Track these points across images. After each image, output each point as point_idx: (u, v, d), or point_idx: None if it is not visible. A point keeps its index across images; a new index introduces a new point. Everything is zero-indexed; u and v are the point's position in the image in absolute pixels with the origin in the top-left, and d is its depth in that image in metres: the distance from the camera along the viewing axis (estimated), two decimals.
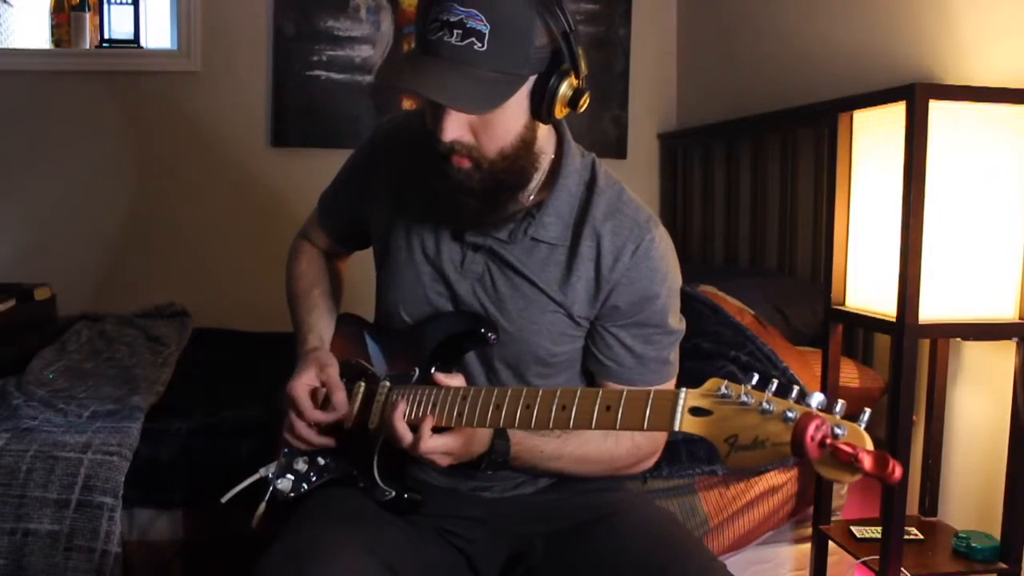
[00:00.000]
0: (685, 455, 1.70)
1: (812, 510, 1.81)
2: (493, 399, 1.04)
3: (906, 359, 1.53)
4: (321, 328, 1.34)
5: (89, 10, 3.02)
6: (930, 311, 1.54)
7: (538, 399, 1.00)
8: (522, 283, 1.19)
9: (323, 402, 1.22)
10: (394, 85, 1.05)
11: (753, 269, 2.66)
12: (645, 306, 1.19)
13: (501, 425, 1.05)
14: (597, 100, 3.16)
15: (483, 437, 1.13)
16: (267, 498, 1.25)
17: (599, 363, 1.23)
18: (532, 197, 1.18)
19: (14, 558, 1.50)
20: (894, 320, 1.55)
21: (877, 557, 1.59)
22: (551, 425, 0.99)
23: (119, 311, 2.62)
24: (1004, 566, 1.62)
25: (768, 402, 0.81)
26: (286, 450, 1.27)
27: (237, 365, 2.26)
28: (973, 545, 1.62)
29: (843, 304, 1.74)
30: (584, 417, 0.96)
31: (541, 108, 1.07)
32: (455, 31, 1.00)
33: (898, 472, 0.74)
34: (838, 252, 1.73)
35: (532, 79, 1.06)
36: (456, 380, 1.12)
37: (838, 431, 0.76)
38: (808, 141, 2.38)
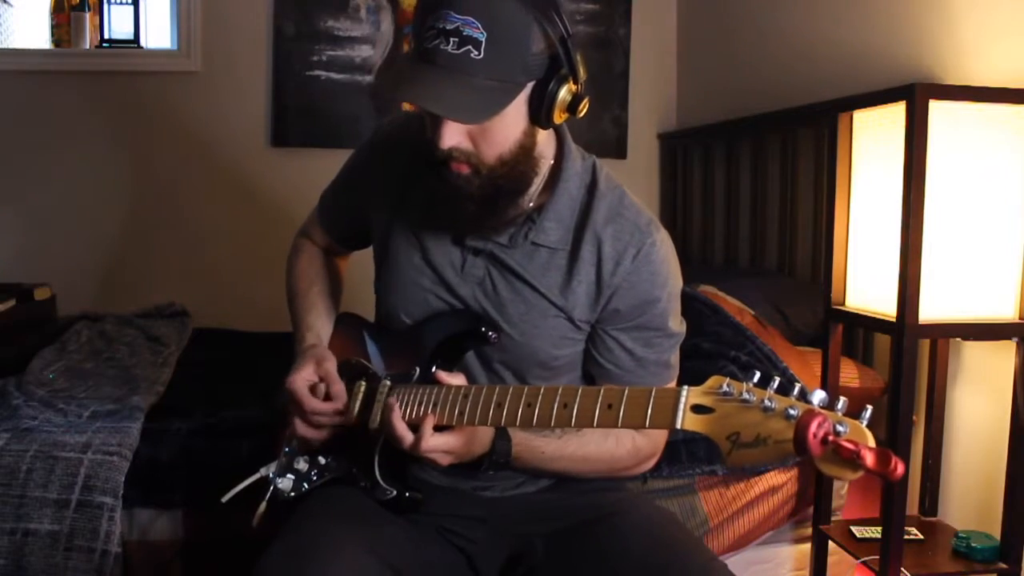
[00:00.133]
0: (685, 455, 1.70)
1: (812, 510, 1.81)
2: (495, 397, 1.04)
3: (906, 359, 1.53)
4: (319, 327, 1.34)
5: (89, 10, 3.02)
6: (930, 311, 1.54)
7: (540, 397, 1.00)
8: (523, 288, 1.19)
9: (323, 396, 1.22)
10: (391, 96, 1.04)
11: (753, 269, 2.66)
12: (646, 310, 1.18)
13: (503, 424, 1.05)
14: (597, 100, 3.15)
15: (484, 437, 1.13)
16: (267, 497, 1.25)
17: (599, 366, 1.23)
18: (532, 201, 1.18)
19: (14, 558, 1.50)
20: (894, 320, 1.55)
21: (877, 557, 1.59)
22: (553, 423, 0.99)
23: (119, 311, 2.61)
24: (1004, 566, 1.62)
25: (770, 399, 0.81)
26: (286, 449, 1.27)
27: (237, 365, 2.26)
28: (973, 545, 1.62)
29: (843, 304, 1.74)
30: (586, 415, 0.96)
31: (540, 114, 1.07)
32: (451, 39, 1.00)
33: (900, 469, 0.74)
34: (838, 252, 1.74)
35: (530, 85, 1.06)
36: (458, 379, 1.12)
37: (840, 428, 0.76)
38: (808, 141, 2.38)
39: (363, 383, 1.23)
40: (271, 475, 1.26)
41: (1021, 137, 1.57)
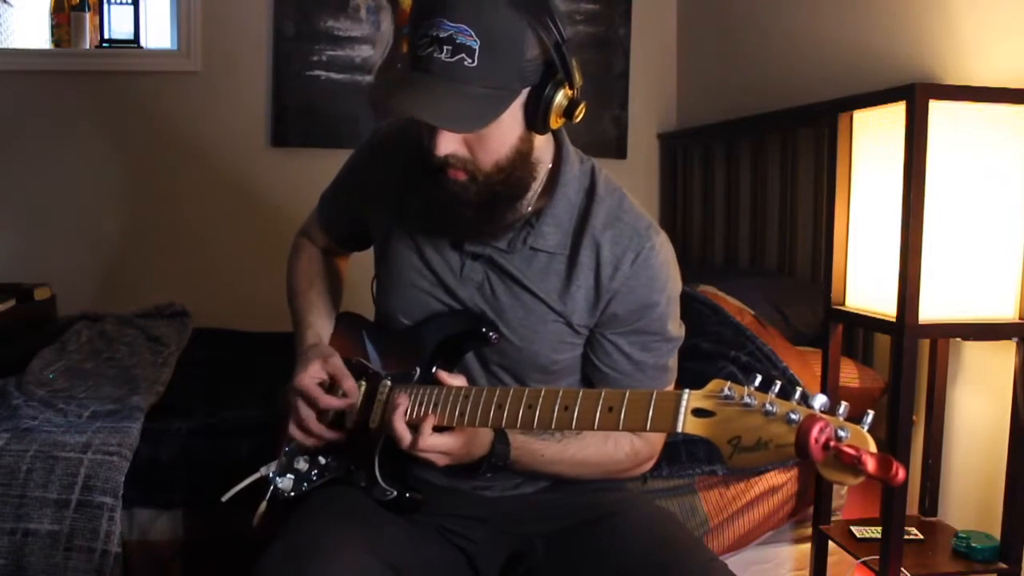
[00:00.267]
0: (685, 455, 1.70)
1: (812, 510, 1.81)
2: (495, 399, 1.04)
3: (906, 359, 1.53)
4: (319, 326, 1.34)
5: (89, 10, 3.02)
6: (930, 311, 1.54)
7: (540, 399, 1.00)
8: (522, 293, 1.18)
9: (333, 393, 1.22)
10: (385, 105, 1.04)
11: (753, 269, 2.66)
12: (644, 314, 1.18)
13: (503, 425, 1.05)
14: (597, 100, 3.17)
15: (484, 440, 1.12)
16: (268, 497, 1.25)
17: (597, 370, 1.22)
18: (531, 206, 1.17)
19: (14, 558, 1.50)
20: (894, 320, 1.55)
21: (877, 557, 1.59)
22: (553, 425, 0.99)
23: (119, 311, 2.61)
24: (1004, 566, 1.62)
25: (771, 404, 0.81)
26: (287, 449, 1.27)
27: (237, 365, 2.26)
28: (973, 545, 1.62)
29: (843, 304, 1.74)
30: (587, 418, 0.96)
31: (536, 120, 1.06)
32: (445, 47, 1.00)
33: (901, 475, 0.75)
34: (838, 252, 1.73)
35: (526, 91, 1.05)
36: (458, 380, 1.12)
37: (841, 433, 0.77)
38: (808, 141, 2.38)
39: (363, 383, 1.23)
40: (271, 475, 1.26)
41: (1021, 137, 1.57)
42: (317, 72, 3.02)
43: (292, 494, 1.24)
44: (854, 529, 1.75)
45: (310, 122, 3.02)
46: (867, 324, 1.72)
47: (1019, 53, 1.67)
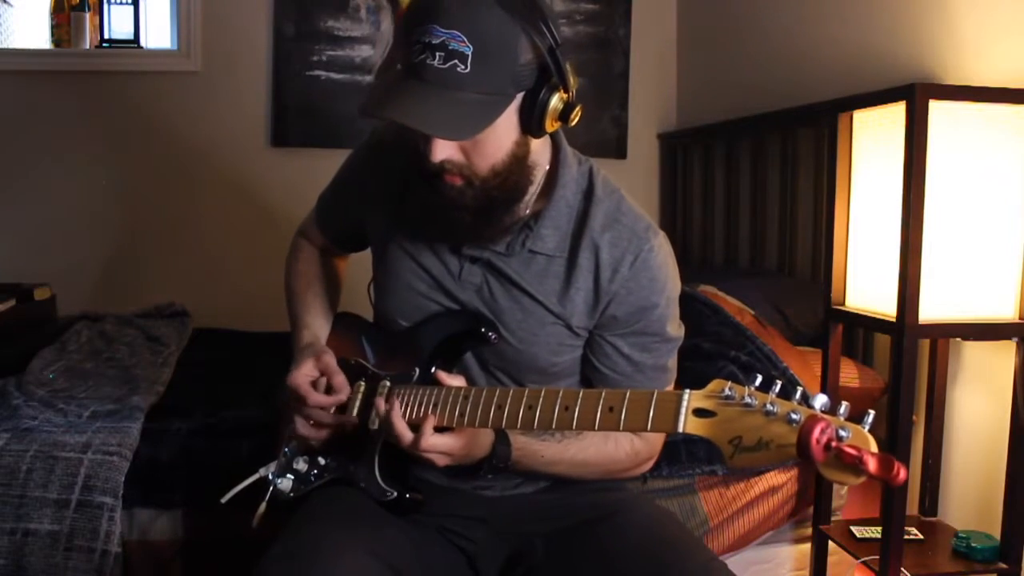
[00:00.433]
0: (685, 455, 1.70)
1: (812, 510, 1.81)
2: (495, 399, 1.04)
3: (906, 359, 1.53)
4: (316, 327, 1.35)
5: (89, 10, 3.02)
6: (930, 311, 1.54)
7: (541, 400, 1.00)
8: (521, 296, 1.18)
9: (325, 390, 1.22)
10: (378, 115, 1.03)
11: (753, 269, 2.66)
12: (643, 316, 1.18)
13: (503, 426, 1.05)
14: (597, 100, 3.17)
15: (485, 441, 1.12)
16: (267, 498, 1.25)
17: (597, 371, 1.22)
18: (529, 209, 1.17)
19: (14, 558, 1.50)
20: (894, 320, 1.55)
21: (877, 557, 1.59)
22: (554, 426, 0.99)
23: (119, 311, 2.61)
24: (1004, 566, 1.62)
25: (772, 404, 0.81)
26: (286, 450, 1.27)
27: (237, 365, 2.26)
28: (973, 545, 1.62)
29: (843, 304, 1.74)
30: (587, 418, 0.96)
31: (531, 124, 1.06)
32: (437, 53, 0.99)
33: (903, 475, 0.75)
34: (838, 252, 1.73)
35: (520, 95, 1.05)
36: (458, 380, 1.12)
37: (843, 433, 0.77)
38: (808, 141, 2.38)
39: (363, 383, 1.23)
40: (270, 476, 1.26)
41: (1021, 137, 1.57)
42: (317, 72, 3.02)
43: (292, 495, 1.24)
44: (854, 529, 1.75)
45: (310, 122, 3.02)
46: (867, 324, 1.72)
47: (1019, 53, 1.67)
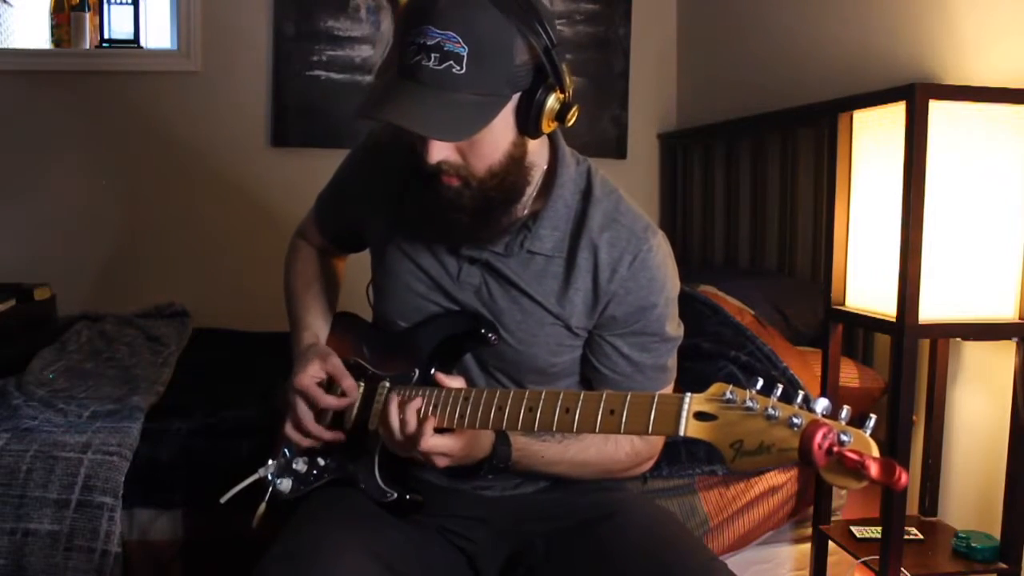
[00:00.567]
0: (685, 455, 1.70)
1: (812, 510, 1.81)
2: (495, 401, 1.04)
3: (906, 359, 1.53)
4: (316, 327, 1.34)
5: (89, 10, 3.02)
6: (930, 311, 1.54)
7: (541, 402, 1.00)
8: (520, 296, 1.18)
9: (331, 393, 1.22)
10: (374, 116, 1.03)
11: (753, 269, 2.66)
12: (643, 316, 1.18)
13: (504, 427, 1.05)
14: (597, 100, 3.17)
15: (485, 442, 1.12)
16: (267, 498, 1.25)
17: (596, 371, 1.22)
18: (527, 209, 1.17)
19: (14, 558, 1.50)
20: (894, 320, 1.55)
21: (877, 557, 1.59)
22: (555, 428, 0.99)
23: (119, 311, 2.62)
24: (1004, 566, 1.62)
25: (773, 408, 0.81)
26: (286, 450, 1.27)
27: (237, 365, 2.26)
28: (973, 545, 1.62)
29: (843, 304, 1.74)
30: (588, 421, 0.96)
31: (528, 124, 1.06)
32: (432, 54, 0.99)
33: (904, 479, 0.74)
34: (838, 252, 1.73)
35: (517, 96, 1.04)
36: (457, 382, 1.11)
37: (844, 438, 0.76)
38: (808, 141, 2.38)
39: (362, 384, 1.23)
40: (270, 476, 1.26)
41: (1021, 137, 1.57)
42: (317, 72, 3.02)
43: (291, 495, 1.24)
44: (854, 529, 1.75)
45: (310, 122, 3.02)
46: (867, 324, 1.72)
47: (1019, 53, 1.67)
